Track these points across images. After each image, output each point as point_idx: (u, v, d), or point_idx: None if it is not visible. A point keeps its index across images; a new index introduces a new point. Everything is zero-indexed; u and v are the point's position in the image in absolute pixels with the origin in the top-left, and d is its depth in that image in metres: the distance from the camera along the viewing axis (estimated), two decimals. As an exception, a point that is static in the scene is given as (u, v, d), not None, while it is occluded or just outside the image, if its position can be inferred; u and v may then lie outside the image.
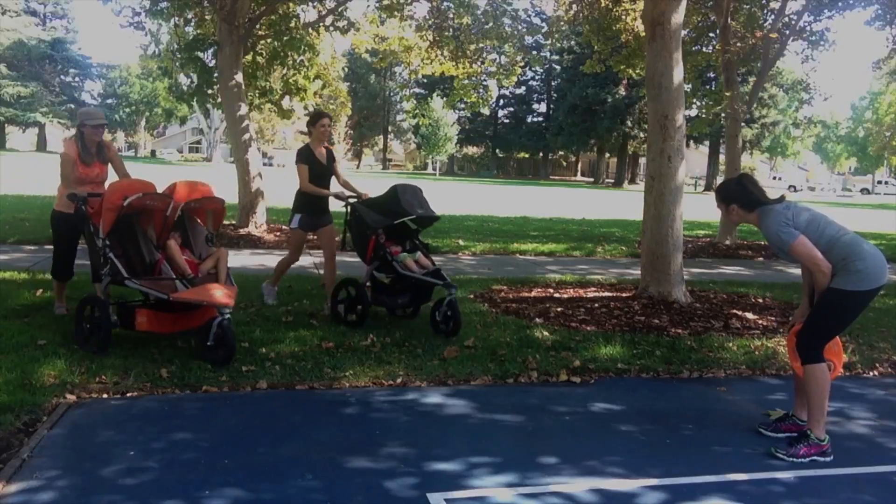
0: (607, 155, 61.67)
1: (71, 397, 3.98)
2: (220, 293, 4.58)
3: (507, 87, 58.87)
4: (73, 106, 60.79)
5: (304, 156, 6.05)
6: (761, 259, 11.83)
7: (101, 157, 5.50)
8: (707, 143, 52.15)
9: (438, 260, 7.43)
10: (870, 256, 3.56)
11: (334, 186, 6.22)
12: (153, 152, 74.01)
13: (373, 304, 5.75)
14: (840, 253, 3.55)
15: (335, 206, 6.08)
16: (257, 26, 11.92)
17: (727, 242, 13.05)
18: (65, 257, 5.61)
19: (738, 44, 13.32)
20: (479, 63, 13.76)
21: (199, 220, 5.30)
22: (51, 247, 5.83)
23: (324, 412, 3.99)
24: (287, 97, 14.22)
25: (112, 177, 5.45)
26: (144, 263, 4.95)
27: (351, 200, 5.91)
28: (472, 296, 7.14)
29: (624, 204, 26.92)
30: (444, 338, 5.48)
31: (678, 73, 6.99)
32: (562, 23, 14.45)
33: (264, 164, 15.82)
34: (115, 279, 4.69)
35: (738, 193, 3.81)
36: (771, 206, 3.69)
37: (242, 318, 5.64)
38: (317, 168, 6.05)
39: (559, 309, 6.61)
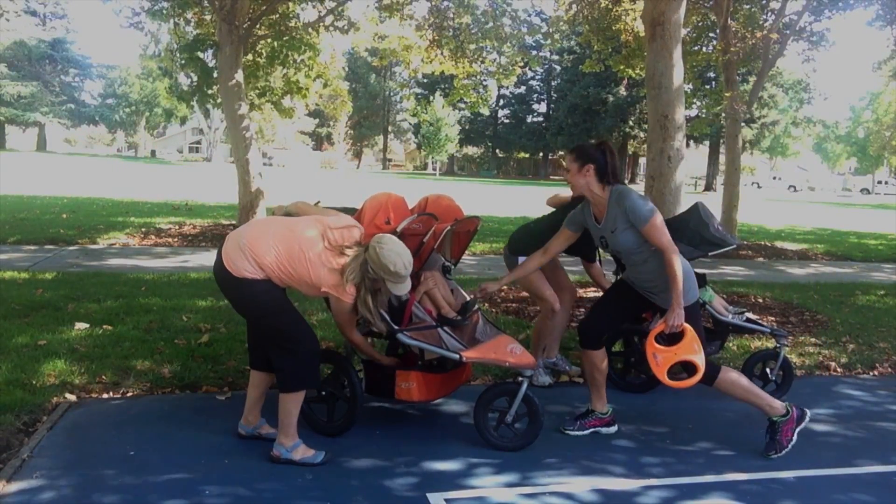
0: (607, 155, 61.65)
1: (71, 397, 3.98)
2: (518, 350, 3.59)
3: (507, 87, 58.94)
4: (73, 106, 60.80)
5: (577, 223, 4.03)
6: (761, 259, 11.83)
7: None
8: (707, 143, 52.12)
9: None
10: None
11: None
12: (153, 152, 74.00)
13: None
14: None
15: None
16: (257, 26, 11.93)
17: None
18: (315, 336, 3.55)
19: (738, 44, 13.32)
20: (478, 63, 13.76)
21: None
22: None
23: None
24: (288, 96, 14.22)
25: None
26: (390, 307, 3.71)
27: None
28: (472, 296, 7.13)
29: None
30: None
31: (678, 73, 6.99)
32: (562, 23, 14.45)
33: (264, 164, 15.81)
34: (376, 331, 3.57)
35: (602, 161, 3.50)
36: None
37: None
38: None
39: (559, 309, 6.59)
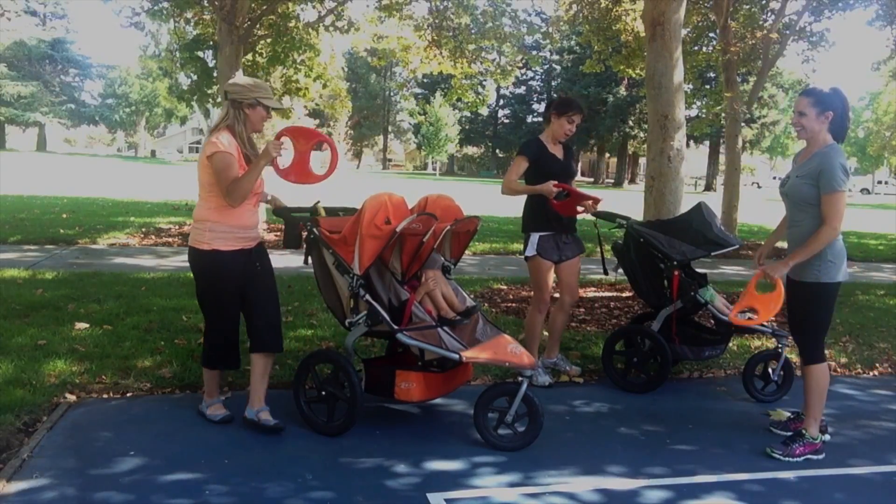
0: (607, 155, 61.71)
1: (71, 397, 3.98)
2: (518, 350, 3.59)
3: (507, 87, 58.92)
4: (73, 106, 60.78)
5: (531, 149, 4.57)
6: (761, 259, 11.82)
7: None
8: (707, 143, 52.15)
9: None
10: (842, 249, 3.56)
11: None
12: (153, 152, 74.03)
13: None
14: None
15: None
16: (257, 26, 11.92)
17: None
18: (230, 331, 3.75)
19: (738, 44, 13.33)
20: (478, 63, 13.75)
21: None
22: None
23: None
24: (287, 96, 14.22)
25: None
26: (390, 307, 3.75)
27: (622, 221, 4.85)
28: (472, 296, 7.14)
29: (624, 204, 26.82)
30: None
31: (678, 73, 6.99)
32: (562, 23, 14.45)
33: (264, 164, 15.77)
34: (376, 331, 3.62)
35: (843, 111, 3.47)
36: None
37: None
38: (549, 166, 4.56)
39: (559, 309, 6.59)
